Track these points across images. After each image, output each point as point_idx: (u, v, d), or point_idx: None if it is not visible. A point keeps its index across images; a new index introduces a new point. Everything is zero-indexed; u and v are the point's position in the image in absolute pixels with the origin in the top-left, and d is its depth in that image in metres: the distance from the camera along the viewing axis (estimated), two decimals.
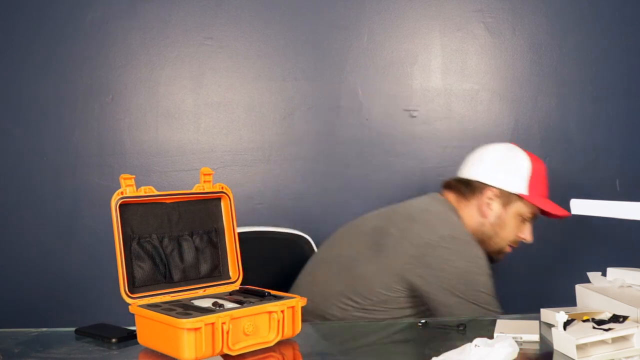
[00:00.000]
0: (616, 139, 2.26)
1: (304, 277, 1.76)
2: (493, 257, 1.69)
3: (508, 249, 1.71)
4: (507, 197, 1.65)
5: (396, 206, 1.72)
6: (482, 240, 1.65)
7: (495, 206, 1.65)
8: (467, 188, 1.67)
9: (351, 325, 1.53)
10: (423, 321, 1.40)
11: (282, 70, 2.22)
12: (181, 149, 2.21)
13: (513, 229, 1.67)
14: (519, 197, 1.65)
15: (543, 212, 1.71)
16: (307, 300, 1.62)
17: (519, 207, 1.66)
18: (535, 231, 2.24)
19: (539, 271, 2.24)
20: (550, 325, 1.30)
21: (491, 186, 1.65)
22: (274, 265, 2.12)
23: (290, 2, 2.21)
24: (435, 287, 1.53)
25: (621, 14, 2.25)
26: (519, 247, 2.24)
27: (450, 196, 1.69)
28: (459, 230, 1.60)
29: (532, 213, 1.68)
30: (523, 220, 1.68)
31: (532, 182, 1.65)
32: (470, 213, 1.66)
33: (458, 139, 2.24)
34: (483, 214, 1.66)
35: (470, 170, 1.70)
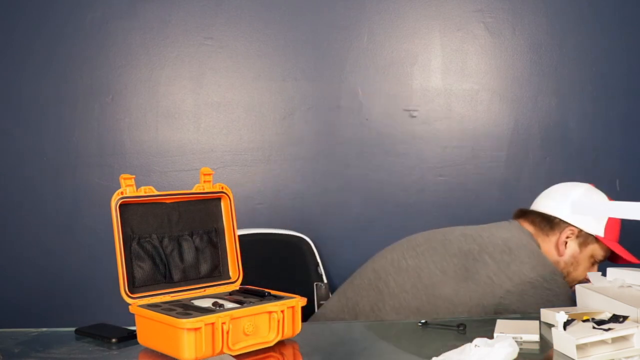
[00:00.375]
0: (616, 139, 2.25)
1: (369, 279, 1.67)
2: None
3: (573, 289, 1.64)
4: (585, 238, 1.64)
5: (482, 231, 1.66)
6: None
7: (572, 245, 1.64)
8: (547, 224, 1.65)
9: (351, 325, 1.53)
10: (423, 321, 1.40)
11: (282, 70, 2.22)
12: (181, 149, 2.21)
13: (584, 270, 1.66)
14: (596, 238, 1.64)
15: (611, 257, 1.70)
16: (371, 304, 1.59)
17: (594, 249, 1.65)
18: None
19: None
20: (550, 325, 1.30)
21: (572, 225, 1.64)
22: (274, 267, 2.13)
23: (290, 2, 2.21)
24: None
25: (621, 14, 2.25)
26: None
27: (530, 228, 1.66)
28: (557, 271, 1.59)
29: (603, 256, 1.67)
30: (594, 262, 1.67)
31: (609, 225, 1.65)
32: (549, 249, 1.64)
33: (458, 139, 2.24)
34: (559, 252, 1.64)
35: (551, 206, 1.67)
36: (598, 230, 1.64)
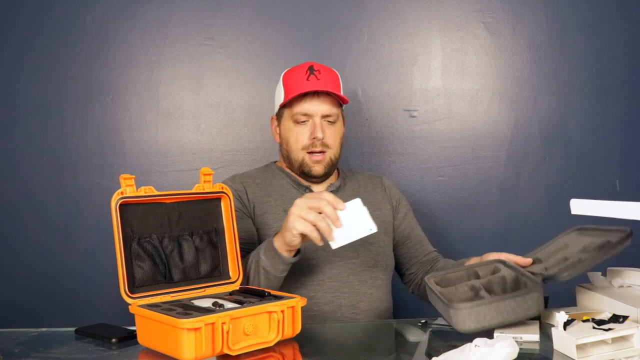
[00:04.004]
0: (616, 139, 2.26)
1: None
2: (307, 172, 1.74)
3: (313, 157, 1.73)
4: (279, 115, 1.79)
5: None
6: (291, 164, 1.77)
7: (278, 129, 1.80)
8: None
9: (351, 325, 1.53)
10: (423, 321, 1.40)
11: (282, 70, 2.21)
12: (181, 149, 2.21)
13: (294, 136, 1.74)
14: (282, 107, 1.76)
15: (342, 101, 1.76)
16: None
17: (287, 115, 1.75)
18: (535, 230, 2.25)
19: None
20: (550, 325, 1.31)
21: (273, 116, 1.83)
22: None
23: (290, 2, 2.21)
24: None
25: (621, 14, 2.25)
26: (519, 245, 2.25)
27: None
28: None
29: (300, 112, 1.72)
30: (296, 122, 1.73)
31: (287, 88, 1.74)
32: (280, 149, 1.83)
33: (458, 139, 2.24)
34: (277, 141, 1.82)
35: None
36: (279, 99, 1.77)
